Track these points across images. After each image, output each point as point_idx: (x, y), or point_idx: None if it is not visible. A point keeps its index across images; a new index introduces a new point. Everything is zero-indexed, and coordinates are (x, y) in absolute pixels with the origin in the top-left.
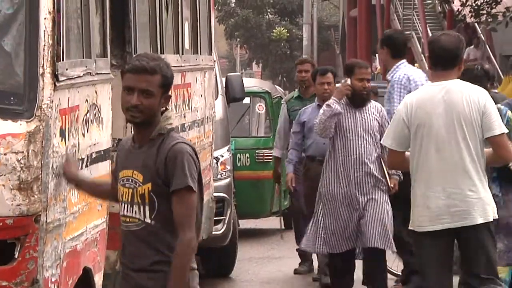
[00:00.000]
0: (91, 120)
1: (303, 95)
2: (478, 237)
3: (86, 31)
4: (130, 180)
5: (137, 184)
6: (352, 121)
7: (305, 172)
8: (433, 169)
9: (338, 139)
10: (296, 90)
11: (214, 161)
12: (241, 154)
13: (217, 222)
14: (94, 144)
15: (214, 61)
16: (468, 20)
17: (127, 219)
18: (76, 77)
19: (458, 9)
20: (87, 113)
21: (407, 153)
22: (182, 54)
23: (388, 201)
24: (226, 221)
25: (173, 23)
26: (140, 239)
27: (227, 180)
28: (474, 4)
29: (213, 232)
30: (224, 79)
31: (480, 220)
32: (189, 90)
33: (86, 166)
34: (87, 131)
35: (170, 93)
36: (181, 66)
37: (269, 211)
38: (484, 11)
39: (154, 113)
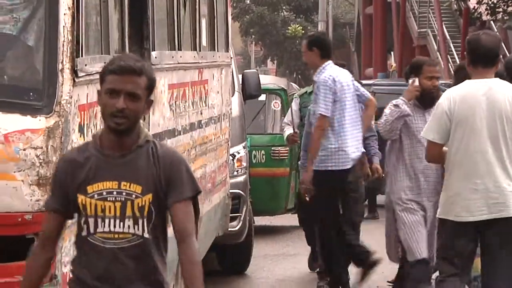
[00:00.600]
0: None
1: None
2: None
3: (105, 27)
4: (116, 192)
5: (133, 196)
6: (422, 123)
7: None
8: (473, 163)
9: (407, 142)
10: (311, 86)
11: (230, 158)
12: (257, 151)
13: (233, 219)
14: None
15: (231, 58)
16: (484, 18)
17: (115, 236)
18: (95, 73)
19: (474, 7)
20: None
21: (444, 147)
22: (200, 50)
23: None
24: (242, 218)
25: (191, 20)
26: (132, 256)
27: (243, 177)
28: (490, 2)
29: (229, 229)
30: (240, 76)
31: None
32: (206, 87)
33: None
34: None
35: (152, 97)
36: (199, 62)
37: (284, 208)
38: (500, 9)
39: (138, 119)
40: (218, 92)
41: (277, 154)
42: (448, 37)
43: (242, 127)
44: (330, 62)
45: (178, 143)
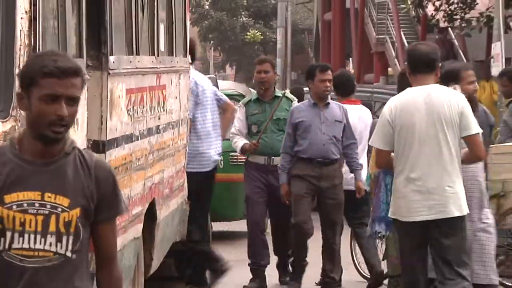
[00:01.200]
0: None
1: (262, 97)
2: (452, 229)
3: (62, 32)
4: (39, 204)
5: (59, 210)
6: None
7: (298, 175)
8: (415, 165)
9: None
10: (254, 92)
11: None
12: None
13: None
14: None
15: (190, 63)
16: (442, 25)
17: (35, 253)
18: None
19: (432, 13)
20: None
21: (392, 153)
22: (158, 55)
23: None
24: None
25: (149, 25)
26: (51, 278)
27: None
28: (447, 9)
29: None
30: None
31: (456, 214)
32: (164, 92)
33: None
34: None
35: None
36: (157, 67)
37: (242, 214)
38: (458, 16)
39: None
40: (176, 97)
41: (235, 160)
42: (406, 43)
43: None
44: (191, 66)
45: (135, 148)
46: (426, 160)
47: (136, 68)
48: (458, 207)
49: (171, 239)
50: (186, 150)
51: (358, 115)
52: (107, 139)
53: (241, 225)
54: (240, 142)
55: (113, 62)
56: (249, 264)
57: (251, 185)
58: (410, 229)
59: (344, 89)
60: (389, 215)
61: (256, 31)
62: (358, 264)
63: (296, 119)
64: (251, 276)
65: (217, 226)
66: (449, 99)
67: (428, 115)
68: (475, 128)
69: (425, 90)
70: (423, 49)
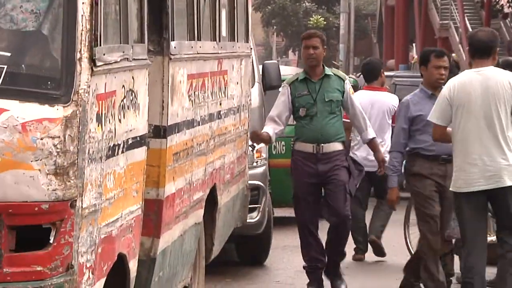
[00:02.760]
0: (128, 106)
1: (310, 76)
2: (508, 197)
3: (124, 17)
4: None
5: None
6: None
7: (420, 174)
8: (471, 140)
9: None
10: (302, 71)
11: (250, 148)
12: (277, 142)
13: (252, 210)
14: (131, 130)
15: (251, 48)
16: (506, 10)
17: None
18: (113, 63)
19: None
20: (123, 98)
21: (448, 128)
22: (219, 41)
23: None
24: (261, 209)
25: (210, 10)
26: None
27: (263, 168)
28: None
29: (248, 220)
30: (260, 67)
31: (509, 183)
32: (226, 78)
33: (122, 152)
34: (124, 117)
35: None
36: (218, 53)
37: None
38: None
39: None
40: (237, 83)
41: None
42: (470, 29)
43: (262, 117)
44: None
45: (197, 134)
46: (480, 135)
47: (198, 53)
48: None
49: (232, 224)
50: (247, 135)
51: (371, 101)
52: (168, 124)
53: None
54: (264, 129)
55: (174, 47)
56: (304, 267)
57: (299, 180)
58: (469, 199)
59: (369, 75)
60: (450, 188)
61: (319, 17)
62: None
63: (414, 113)
64: (308, 280)
65: (279, 212)
66: (502, 80)
67: (483, 94)
68: None
69: (481, 72)
70: (482, 36)
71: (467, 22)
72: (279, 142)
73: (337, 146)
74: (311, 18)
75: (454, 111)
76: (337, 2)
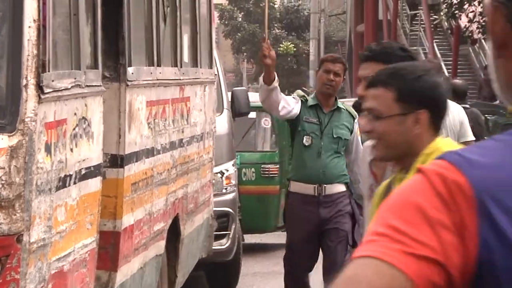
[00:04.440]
0: (80, 135)
1: (322, 106)
2: None
3: (75, 41)
4: None
5: None
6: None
7: None
8: None
9: None
10: (312, 96)
11: (219, 175)
12: (247, 169)
13: (221, 237)
14: (84, 160)
15: (215, 74)
16: (476, 36)
17: None
18: (64, 89)
19: (466, 25)
20: (75, 127)
21: None
22: (181, 67)
23: None
24: (230, 236)
25: (171, 36)
26: None
27: (232, 195)
28: (481, 21)
29: (218, 247)
30: (230, 94)
31: None
32: (188, 104)
33: (75, 182)
34: (76, 146)
35: None
36: (180, 79)
37: (274, 226)
38: None
39: None
40: (201, 109)
41: (267, 172)
42: (439, 55)
43: (231, 144)
44: None
45: (157, 162)
46: None
47: (157, 79)
48: None
49: (196, 255)
50: (212, 164)
51: None
52: (126, 153)
53: (272, 238)
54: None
55: (132, 73)
56: None
57: (297, 228)
58: None
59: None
60: None
61: (289, 43)
62: None
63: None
64: None
65: (249, 239)
66: (451, 111)
67: None
68: (470, 135)
69: None
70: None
71: (435, 48)
72: (249, 169)
73: (341, 188)
74: (281, 45)
75: None
76: (307, 29)
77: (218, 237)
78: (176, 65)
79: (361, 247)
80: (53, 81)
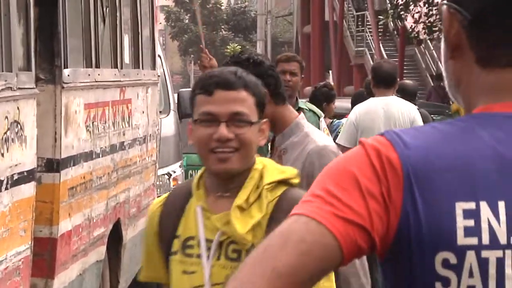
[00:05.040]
0: (12, 139)
1: None
2: None
3: (6, 43)
4: None
5: None
6: None
7: None
8: None
9: None
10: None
11: (166, 177)
12: (193, 170)
13: None
14: (16, 165)
15: (159, 76)
16: (422, 36)
17: None
18: None
19: (411, 26)
20: (7, 131)
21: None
22: (121, 68)
23: None
24: None
25: (111, 36)
26: None
27: None
28: (427, 21)
29: None
30: (176, 95)
31: None
32: (130, 107)
33: (6, 188)
34: (7, 150)
35: None
36: (120, 81)
37: None
38: (437, 28)
39: None
40: (143, 112)
41: None
42: (385, 56)
43: (177, 146)
44: None
45: (96, 166)
46: None
47: (96, 81)
48: None
49: (140, 260)
50: (156, 166)
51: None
52: (62, 157)
53: None
54: None
55: (68, 75)
56: None
57: None
58: None
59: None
60: None
61: (236, 45)
62: None
63: None
64: None
65: None
66: (402, 108)
67: (386, 120)
68: None
69: (385, 101)
70: (387, 68)
71: (382, 49)
72: (195, 171)
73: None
74: (228, 47)
75: (359, 134)
76: (254, 30)
77: None
78: (116, 67)
79: (298, 206)
80: None
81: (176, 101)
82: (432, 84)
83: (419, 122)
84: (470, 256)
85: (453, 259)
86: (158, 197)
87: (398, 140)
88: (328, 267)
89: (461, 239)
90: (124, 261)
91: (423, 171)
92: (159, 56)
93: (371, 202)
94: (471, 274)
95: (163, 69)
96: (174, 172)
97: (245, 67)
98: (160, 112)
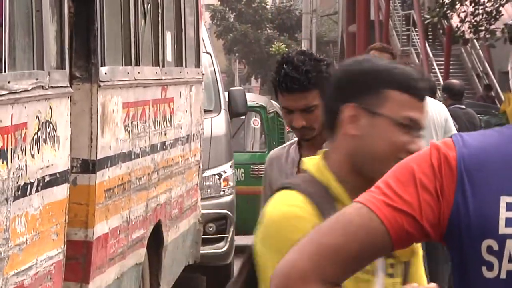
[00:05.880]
0: (44, 139)
1: None
2: None
3: (38, 39)
4: None
5: None
6: None
7: None
8: None
9: None
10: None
11: (217, 177)
12: (236, 169)
13: (219, 240)
14: (48, 166)
15: (203, 74)
16: (467, 36)
17: None
18: (22, 91)
19: (457, 25)
20: (37, 131)
21: None
22: (163, 66)
23: None
24: (229, 239)
25: (152, 33)
26: None
27: (230, 197)
28: (473, 21)
29: (215, 251)
30: (226, 94)
31: None
32: (172, 105)
33: (37, 191)
34: (38, 151)
35: None
36: (162, 79)
37: None
38: (483, 28)
39: None
40: (186, 111)
41: (256, 172)
42: (431, 55)
43: (229, 145)
44: None
45: (135, 167)
46: None
47: (135, 79)
48: None
49: (182, 262)
50: (199, 166)
51: None
52: (98, 158)
53: None
54: None
55: (105, 73)
56: None
57: None
58: None
59: None
60: None
61: (281, 44)
62: None
63: None
64: None
65: (239, 240)
66: (436, 109)
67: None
68: (454, 129)
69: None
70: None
71: (428, 48)
72: (238, 169)
73: None
74: (273, 45)
75: None
76: (299, 29)
77: (215, 241)
78: (158, 65)
79: (361, 194)
80: (9, 82)
81: (226, 100)
82: (481, 93)
83: (450, 119)
84: (510, 244)
85: (495, 246)
86: (201, 198)
87: (459, 140)
88: (376, 251)
89: (502, 229)
90: (165, 264)
91: (475, 168)
92: (209, 53)
93: (423, 194)
94: (510, 260)
95: (214, 67)
96: (225, 172)
97: None
98: (210, 111)
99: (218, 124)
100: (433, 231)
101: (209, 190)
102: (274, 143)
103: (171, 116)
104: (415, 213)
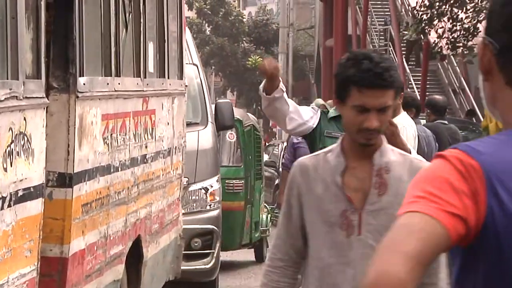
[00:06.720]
0: (17, 152)
1: None
2: None
3: (13, 49)
4: None
5: None
6: None
7: None
8: None
9: None
10: (332, 108)
11: (203, 191)
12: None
13: (205, 256)
14: (21, 180)
15: (186, 85)
16: (445, 52)
17: None
18: None
19: (435, 41)
20: (11, 143)
21: None
22: (145, 77)
23: None
24: (215, 255)
25: (134, 43)
26: None
27: (217, 211)
28: (450, 37)
29: (202, 266)
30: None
31: None
32: (153, 118)
33: (9, 206)
34: (11, 164)
35: None
36: (143, 90)
37: (238, 244)
38: (461, 44)
39: None
40: (168, 123)
41: (231, 187)
42: (408, 70)
43: (215, 159)
44: None
45: (114, 181)
46: None
47: (116, 90)
48: None
49: (162, 278)
50: (181, 180)
51: None
52: (75, 171)
53: (238, 255)
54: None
55: (84, 84)
56: None
57: None
58: None
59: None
60: None
61: (257, 57)
62: None
63: None
64: None
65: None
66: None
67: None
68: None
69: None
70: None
71: (405, 63)
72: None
73: None
74: (250, 59)
75: None
76: (275, 43)
77: (201, 256)
78: (139, 76)
79: (405, 206)
80: None
81: (213, 112)
82: (462, 117)
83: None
84: None
85: None
86: (187, 212)
87: (471, 150)
88: (439, 252)
89: None
90: (144, 280)
91: (500, 171)
92: (195, 65)
93: (464, 198)
94: None
95: (200, 79)
96: (212, 186)
97: None
98: (197, 123)
99: (205, 137)
100: (472, 234)
101: (195, 205)
102: (250, 157)
103: (152, 129)
104: (464, 215)
